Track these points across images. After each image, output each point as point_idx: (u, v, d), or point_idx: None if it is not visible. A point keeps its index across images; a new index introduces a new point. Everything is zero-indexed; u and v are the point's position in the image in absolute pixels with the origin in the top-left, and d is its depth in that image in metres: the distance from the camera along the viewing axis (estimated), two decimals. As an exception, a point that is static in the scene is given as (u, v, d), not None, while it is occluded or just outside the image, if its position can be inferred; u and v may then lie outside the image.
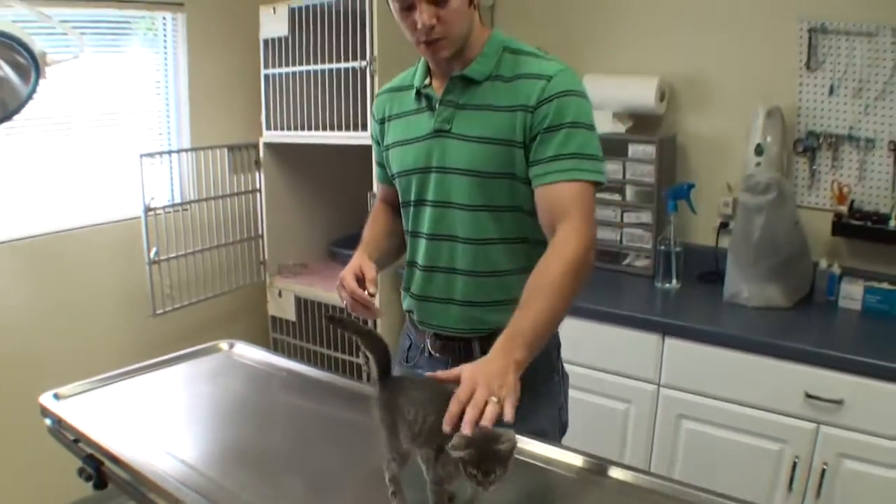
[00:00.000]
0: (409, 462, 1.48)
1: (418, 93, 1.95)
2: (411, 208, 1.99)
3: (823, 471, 2.65)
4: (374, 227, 2.13)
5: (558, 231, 1.72)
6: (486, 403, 1.37)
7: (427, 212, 1.95)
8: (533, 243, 1.87)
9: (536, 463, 1.65)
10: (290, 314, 3.95)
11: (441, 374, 1.50)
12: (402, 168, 1.98)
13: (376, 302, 1.96)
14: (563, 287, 1.64)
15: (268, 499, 1.57)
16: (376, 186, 2.27)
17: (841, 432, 2.61)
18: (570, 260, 1.66)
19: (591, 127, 1.80)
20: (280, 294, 3.99)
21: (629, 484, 1.57)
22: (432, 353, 1.99)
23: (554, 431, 1.98)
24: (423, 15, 1.74)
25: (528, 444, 1.67)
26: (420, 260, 1.98)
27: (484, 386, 1.40)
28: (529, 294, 1.64)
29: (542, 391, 1.97)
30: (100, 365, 2.23)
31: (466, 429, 1.32)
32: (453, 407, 1.37)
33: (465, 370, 1.47)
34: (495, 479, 1.26)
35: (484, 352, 1.57)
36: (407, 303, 2.07)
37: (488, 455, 1.25)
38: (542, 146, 1.77)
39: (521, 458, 1.56)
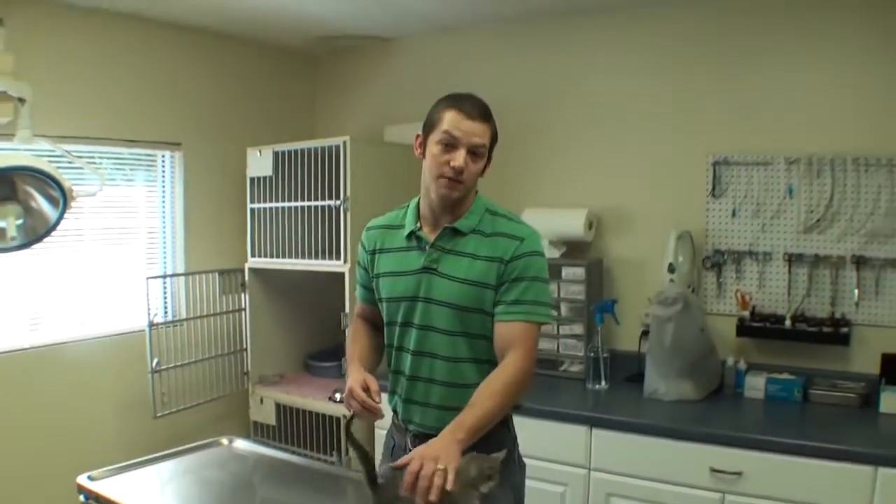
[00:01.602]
0: None
1: (411, 234, 2.28)
2: (397, 328, 2.30)
3: None
4: (358, 345, 2.39)
5: (507, 356, 2.13)
6: (433, 474, 1.77)
7: (413, 333, 2.26)
8: (491, 364, 2.20)
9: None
10: (270, 419, 4.24)
11: (398, 462, 1.87)
12: (392, 295, 2.29)
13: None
14: (502, 395, 2.07)
15: None
16: (357, 305, 2.52)
17: (744, 499, 2.95)
18: (511, 377, 2.09)
19: (546, 281, 2.25)
20: (262, 401, 4.27)
21: None
22: (411, 448, 2.12)
23: None
24: (461, 160, 2.13)
25: None
26: (406, 370, 2.29)
27: (431, 460, 1.81)
28: (476, 398, 2.06)
29: (503, 478, 2.08)
30: (110, 459, 2.56)
31: (420, 500, 1.76)
32: (408, 478, 1.79)
33: (416, 451, 1.87)
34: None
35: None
36: (394, 403, 2.36)
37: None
38: (507, 292, 2.18)
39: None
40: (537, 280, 2.22)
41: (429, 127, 2.22)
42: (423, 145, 2.24)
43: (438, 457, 1.83)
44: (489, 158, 2.26)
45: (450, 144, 2.15)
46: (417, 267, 2.26)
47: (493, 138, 2.24)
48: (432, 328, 2.25)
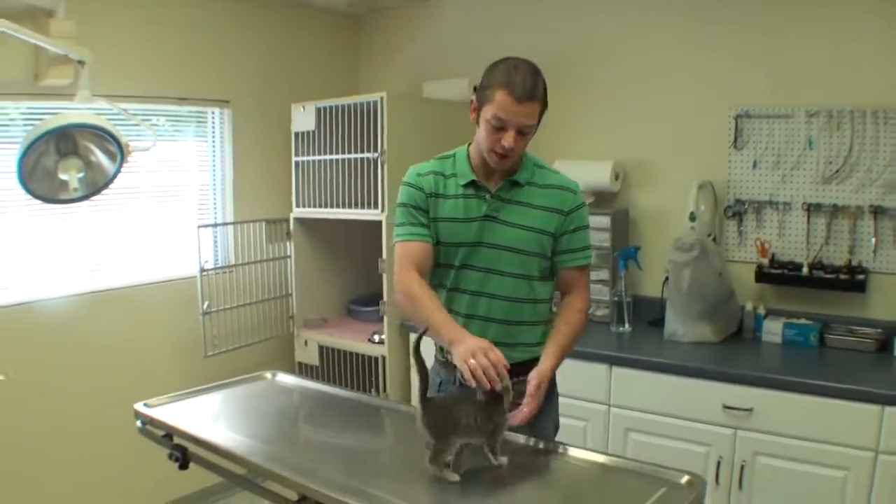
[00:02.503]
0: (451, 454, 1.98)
1: (470, 183, 2.41)
2: (453, 270, 2.44)
3: (742, 467, 3.17)
4: (444, 311, 2.33)
5: (574, 295, 2.51)
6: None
7: (473, 275, 2.42)
8: (544, 301, 2.51)
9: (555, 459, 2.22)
10: (314, 360, 4.47)
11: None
12: (453, 240, 2.42)
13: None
14: (580, 330, 2.48)
15: (315, 461, 2.15)
16: (408, 249, 2.42)
17: (754, 435, 3.14)
18: (583, 312, 2.50)
19: (589, 226, 2.53)
20: (306, 343, 4.51)
21: (598, 462, 2.17)
22: (462, 382, 2.26)
23: (553, 429, 2.57)
24: (510, 139, 2.26)
25: (540, 443, 2.27)
26: (462, 310, 2.43)
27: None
28: (561, 332, 2.43)
29: (549, 400, 2.44)
30: (163, 394, 2.69)
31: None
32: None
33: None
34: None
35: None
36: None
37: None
38: (569, 241, 2.45)
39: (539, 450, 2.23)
40: (588, 227, 2.52)
41: (482, 99, 2.32)
42: (477, 111, 2.35)
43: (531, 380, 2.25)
44: (538, 122, 2.38)
45: (500, 127, 2.27)
46: (479, 215, 2.41)
47: (543, 110, 2.35)
48: (494, 271, 2.42)
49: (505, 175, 2.43)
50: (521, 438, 2.26)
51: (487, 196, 2.42)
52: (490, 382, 2.02)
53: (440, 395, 2.07)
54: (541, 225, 2.41)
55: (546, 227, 2.42)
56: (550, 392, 2.47)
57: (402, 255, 2.44)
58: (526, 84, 2.25)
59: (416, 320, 2.39)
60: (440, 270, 2.49)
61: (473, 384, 2.05)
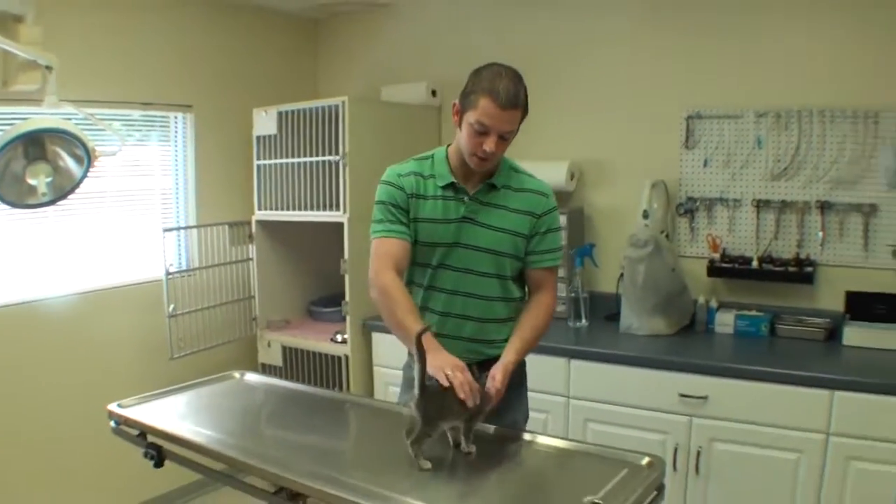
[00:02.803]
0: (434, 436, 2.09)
1: (449, 185, 2.48)
2: (430, 269, 2.52)
3: (699, 453, 3.28)
4: (416, 315, 2.40)
5: (541, 294, 2.58)
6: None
7: (449, 274, 2.51)
8: (517, 300, 2.60)
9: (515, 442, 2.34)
10: (277, 361, 4.51)
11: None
12: (430, 240, 2.49)
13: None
14: (545, 327, 2.55)
15: (288, 454, 2.23)
16: (384, 248, 2.48)
17: (709, 422, 3.26)
18: (549, 311, 2.57)
19: (560, 228, 2.66)
20: (269, 344, 4.56)
21: (563, 448, 2.28)
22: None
23: (523, 420, 2.68)
24: (491, 144, 2.33)
25: (506, 432, 2.38)
26: (439, 308, 2.53)
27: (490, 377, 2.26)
28: (525, 328, 2.49)
29: (519, 392, 2.64)
30: (131, 394, 2.71)
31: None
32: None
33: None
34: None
35: (480, 372, 2.26)
36: None
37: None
38: (539, 243, 2.54)
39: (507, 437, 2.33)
40: (559, 230, 2.65)
41: (465, 104, 2.37)
42: (460, 115, 2.40)
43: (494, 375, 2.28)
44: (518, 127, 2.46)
45: (482, 132, 2.34)
46: (457, 216, 2.49)
47: (524, 116, 2.41)
48: (470, 271, 2.51)
49: (483, 178, 2.51)
50: (489, 428, 2.35)
51: (466, 198, 2.50)
52: (465, 397, 2.11)
53: (432, 383, 2.13)
54: (515, 227, 2.51)
55: (520, 229, 2.51)
56: (520, 385, 2.65)
57: (380, 252, 2.49)
58: (509, 92, 2.31)
59: (388, 319, 2.45)
60: (417, 269, 2.57)
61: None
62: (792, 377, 3.12)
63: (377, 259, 2.49)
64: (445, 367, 2.16)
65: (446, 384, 2.11)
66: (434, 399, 2.10)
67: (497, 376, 2.27)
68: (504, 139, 2.38)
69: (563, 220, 3.89)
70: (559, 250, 2.63)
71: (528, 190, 2.56)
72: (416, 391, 2.10)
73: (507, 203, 2.52)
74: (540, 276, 2.59)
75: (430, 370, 2.16)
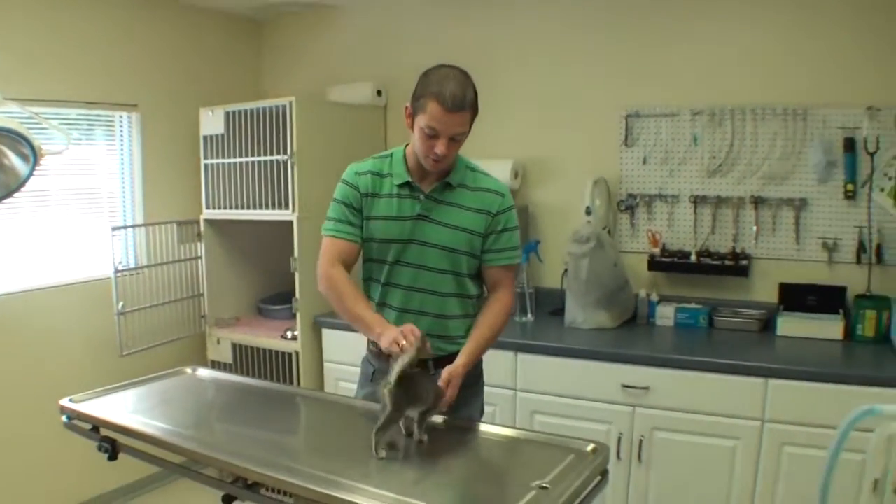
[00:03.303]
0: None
1: (405, 184, 2.53)
2: (387, 266, 2.57)
3: (641, 441, 3.39)
4: (364, 301, 2.55)
5: (498, 292, 2.62)
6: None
7: (405, 271, 2.56)
8: (473, 297, 2.65)
9: (472, 434, 2.40)
10: (227, 357, 4.54)
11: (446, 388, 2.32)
12: (386, 237, 2.54)
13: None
14: (502, 325, 2.59)
15: (242, 445, 2.26)
16: (332, 246, 2.58)
17: (650, 411, 3.37)
18: (506, 309, 2.61)
19: (518, 227, 2.66)
20: (218, 342, 4.58)
21: (512, 437, 2.36)
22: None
23: (478, 416, 2.73)
24: (442, 147, 2.38)
25: (458, 422, 2.45)
26: (396, 304, 2.58)
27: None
28: (482, 327, 2.54)
29: (475, 390, 2.70)
30: (81, 392, 2.72)
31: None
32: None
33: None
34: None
35: (436, 368, 2.41)
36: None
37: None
38: (496, 241, 2.58)
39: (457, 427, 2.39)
40: (516, 229, 2.66)
41: (416, 108, 2.42)
42: (412, 118, 2.45)
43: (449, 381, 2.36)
44: (470, 128, 2.51)
45: (432, 135, 2.39)
46: (412, 214, 2.54)
47: (476, 112, 2.46)
48: (426, 267, 2.55)
49: (439, 176, 2.56)
50: (441, 419, 2.42)
51: (421, 196, 2.55)
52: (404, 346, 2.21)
53: (412, 372, 2.21)
54: (470, 225, 2.55)
55: (475, 227, 2.56)
56: (476, 382, 2.72)
57: (329, 250, 2.59)
58: (456, 95, 2.35)
59: (339, 309, 2.56)
60: (375, 266, 2.62)
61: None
62: (729, 366, 3.25)
63: (324, 255, 2.59)
64: (398, 338, 2.24)
65: (398, 350, 2.20)
66: (406, 387, 2.17)
67: (444, 377, 2.35)
68: (455, 140, 2.42)
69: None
70: (516, 249, 2.65)
71: (484, 189, 2.60)
72: (390, 378, 2.15)
73: (462, 201, 2.56)
74: (497, 275, 2.63)
75: (383, 347, 2.29)
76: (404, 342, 2.21)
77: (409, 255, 2.56)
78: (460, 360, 2.44)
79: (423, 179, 2.57)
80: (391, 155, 2.63)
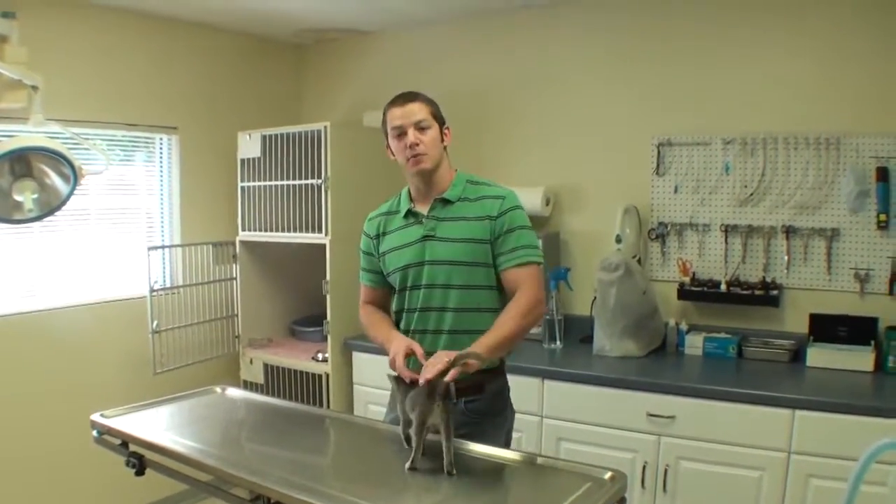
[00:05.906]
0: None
1: (408, 212, 2.63)
2: (406, 292, 2.63)
3: (666, 471, 3.36)
4: (385, 322, 2.71)
5: (518, 294, 2.50)
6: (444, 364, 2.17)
7: (420, 293, 2.59)
8: (492, 311, 2.56)
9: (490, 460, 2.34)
10: (259, 378, 4.58)
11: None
12: (399, 265, 2.62)
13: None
14: (516, 319, 2.45)
15: (266, 464, 2.30)
16: (363, 293, 2.83)
17: (676, 440, 3.34)
18: (522, 306, 2.47)
19: (530, 228, 2.62)
20: (251, 362, 4.63)
21: (531, 463, 2.34)
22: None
23: (505, 446, 2.61)
24: (411, 136, 2.51)
25: (484, 448, 2.39)
26: (413, 326, 2.61)
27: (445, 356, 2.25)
28: (495, 323, 2.46)
29: (498, 420, 2.68)
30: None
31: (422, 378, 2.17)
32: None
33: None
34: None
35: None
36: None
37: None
38: (503, 243, 2.55)
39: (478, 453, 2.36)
40: (524, 228, 2.60)
41: (385, 133, 2.64)
42: (389, 148, 2.65)
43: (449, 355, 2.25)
44: (446, 127, 2.65)
45: (400, 133, 2.55)
46: (418, 237, 2.60)
47: (435, 109, 2.63)
48: (437, 285, 2.58)
49: (437, 195, 2.63)
50: (466, 444, 2.42)
51: (423, 219, 2.62)
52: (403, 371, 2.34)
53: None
54: (472, 234, 2.56)
55: (478, 235, 2.56)
56: (503, 409, 2.72)
57: (362, 293, 2.84)
58: (403, 93, 2.61)
59: (373, 342, 2.76)
60: (398, 296, 2.69)
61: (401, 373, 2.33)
62: (756, 397, 3.21)
63: (361, 297, 2.84)
64: (397, 354, 2.41)
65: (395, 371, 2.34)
66: (403, 394, 2.25)
67: (431, 361, 2.30)
68: (422, 128, 2.56)
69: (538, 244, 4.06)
70: (527, 247, 2.57)
71: (485, 197, 2.62)
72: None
73: (465, 213, 2.59)
74: (513, 277, 2.55)
75: (390, 363, 2.45)
76: (399, 362, 2.37)
77: (422, 276, 2.60)
78: (470, 348, 2.36)
79: (423, 203, 2.66)
80: (399, 194, 2.76)
